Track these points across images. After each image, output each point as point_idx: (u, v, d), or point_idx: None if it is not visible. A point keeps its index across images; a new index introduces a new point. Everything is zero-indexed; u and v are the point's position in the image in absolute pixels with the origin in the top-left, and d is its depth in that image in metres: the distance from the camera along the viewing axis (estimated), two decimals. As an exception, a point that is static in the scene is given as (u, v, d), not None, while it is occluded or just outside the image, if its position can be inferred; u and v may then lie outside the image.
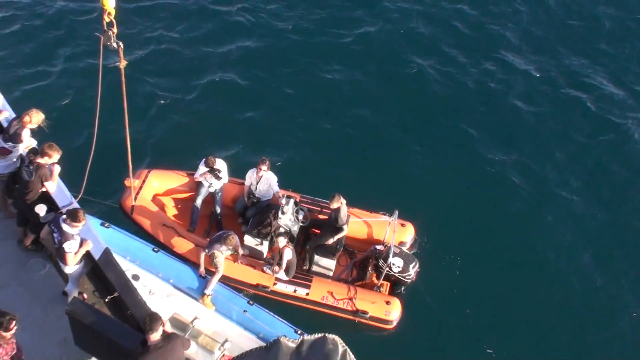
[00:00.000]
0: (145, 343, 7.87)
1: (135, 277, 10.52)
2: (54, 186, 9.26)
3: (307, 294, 11.59)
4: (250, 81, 15.87)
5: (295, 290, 11.64)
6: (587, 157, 15.29)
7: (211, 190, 12.31)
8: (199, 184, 12.30)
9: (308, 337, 6.48)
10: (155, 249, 11.34)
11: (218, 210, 12.35)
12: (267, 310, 10.80)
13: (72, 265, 8.73)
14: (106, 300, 8.85)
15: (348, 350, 6.27)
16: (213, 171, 11.99)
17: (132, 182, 11.98)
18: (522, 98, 16.40)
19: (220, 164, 12.16)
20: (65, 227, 8.49)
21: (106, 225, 11.35)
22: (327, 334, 6.46)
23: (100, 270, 8.97)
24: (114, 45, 8.61)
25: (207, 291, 11.13)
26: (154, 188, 12.35)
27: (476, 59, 17.27)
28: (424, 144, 14.85)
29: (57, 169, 9.24)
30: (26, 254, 9.76)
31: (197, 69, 16.10)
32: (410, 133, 15.06)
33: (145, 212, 11.99)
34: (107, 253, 8.99)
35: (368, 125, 15.11)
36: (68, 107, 14.85)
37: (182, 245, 11.75)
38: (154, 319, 7.66)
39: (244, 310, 10.77)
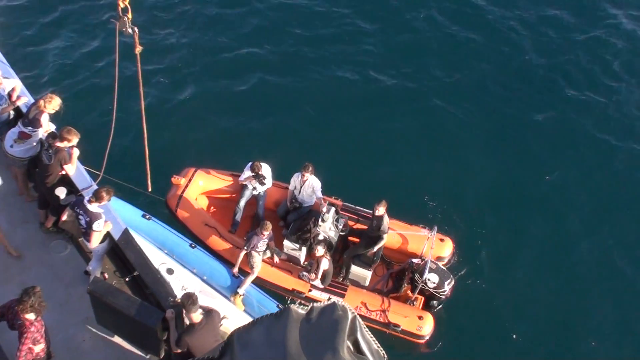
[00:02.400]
0: (165, 321, 8.27)
1: (170, 271, 10.81)
2: (73, 169, 9.52)
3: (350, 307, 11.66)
4: (300, 85, 15.95)
5: (329, 299, 11.66)
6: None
7: (255, 193, 12.52)
8: (243, 187, 12.52)
9: (318, 304, 6.60)
10: (193, 245, 11.68)
11: (260, 213, 12.55)
12: None
13: (96, 244, 9.01)
14: (127, 279, 9.10)
15: (358, 317, 6.35)
16: (258, 177, 12.19)
17: (178, 180, 12.40)
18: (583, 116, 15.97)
19: (266, 169, 12.35)
20: (91, 207, 8.79)
21: (147, 217, 11.76)
22: (336, 301, 6.58)
23: (120, 250, 9.24)
24: (129, 30, 8.46)
25: (240, 291, 11.40)
26: (199, 187, 12.65)
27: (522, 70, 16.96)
28: (471, 160, 14.68)
29: (75, 152, 9.48)
30: (48, 236, 9.96)
31: (247, 70, 16.24)
32: (458, 148, 14.92)
33: (189, 210, 12.32)
34: (126, 233, 9.26)
35: (416, 137, 15.03)
36: (88, 94, 15.13)
37: (222, 245, 12.03)
38: (192, 301, 7.88)
39: None
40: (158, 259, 10.94)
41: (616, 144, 15.31)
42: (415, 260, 12.18)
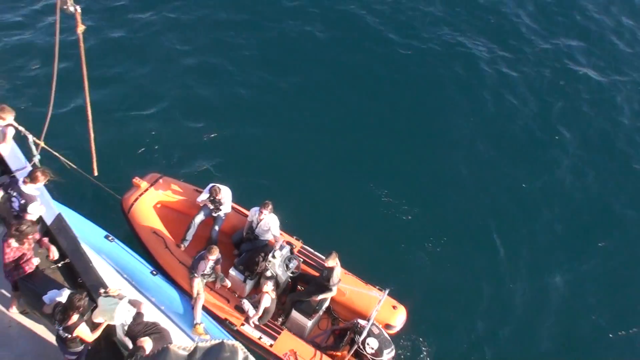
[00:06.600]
0: None
1: None
2: (7, 149, 9.18)
3: (271, 345, 11.03)
4: (290, 109, 15.68)
5: (260, 338, 11.11)
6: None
7: (214, 214, 12.08)
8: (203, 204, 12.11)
9: (203, 344, 6.02)
10: (154, 272, 11.16)
11: (215, 234, 12.06)
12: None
13: None
14: (59, 265, 8.72)
15: (250, 356, 5.79)
16: (214, 202, 11.81)
17: (139, 182, 12.07)
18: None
19: (226, 194, 11.93)
20: (26, 188, 8.47)
21: (110, 238, 11.26)
22: (225, 340, 5.99)
23: (52, 235, 8.89)
24: (71, 9, 8.04)
25: (197, 320, 10.91)
26: (159, 195, 12.23)
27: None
28: (442, 225, 14.13)
29: (10, 131, 9.11)
30: None
31: (248, 82, 16.08)
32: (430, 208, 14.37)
33: (142, 215, 11.87)
34: (59, 219, 8.93)
35: (391, 189, 14.48)
36: (32, 72, 14.87)
37: (166, 258, 11.54)
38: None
39: None
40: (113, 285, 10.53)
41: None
42: (362, 322, 11.44)
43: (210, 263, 11.14)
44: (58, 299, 7.89)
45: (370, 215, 13.85)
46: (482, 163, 15.24)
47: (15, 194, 8.51)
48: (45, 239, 8.41)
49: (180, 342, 9.90)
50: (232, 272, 11.55)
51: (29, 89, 14.32)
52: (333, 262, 11.27)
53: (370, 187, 14.31)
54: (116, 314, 7.96)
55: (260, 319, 11.19)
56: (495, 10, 18.76)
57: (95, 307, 8.15)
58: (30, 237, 8.11)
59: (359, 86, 16.29)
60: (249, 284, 11.60)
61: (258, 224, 11.83)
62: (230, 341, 6.03)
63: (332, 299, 11.77)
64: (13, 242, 8.05)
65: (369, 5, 18.22)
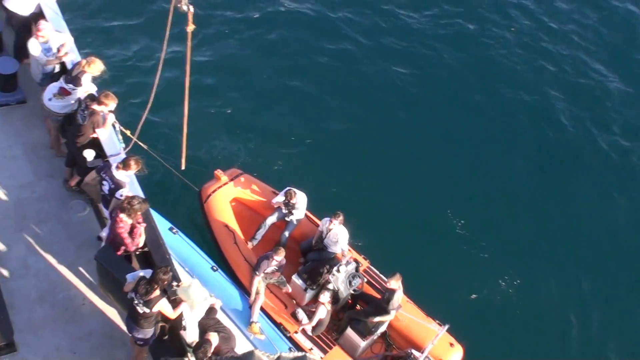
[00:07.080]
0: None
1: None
2: (106, 133, 9.44)
3: (321, 358, 10.94)
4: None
5: (311, 349, 11.02)
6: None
7: (287, 218, 12.13)
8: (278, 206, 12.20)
9: (286, 355, 6.02)
10: (214, 268, 11.30)
11: (284, 239, 12.11)
12: None
13: None
14: (137, 253, 8.84)
15: None
16: (288, 205, 11.88)
17: (220, 175, 12.27)
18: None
19: (301, 199, 11.96)
20: (118, 174, 8.70)
21: (174, 230, 11.50)
22: (308, 354, 5.96)
23: None
24: (184, 7, 8.12)
25: (253, 319, 10.99)
26: (237, 190, 12.41)
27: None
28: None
29: (110, 117, 9.39)
30: (69, 194, 10.02)
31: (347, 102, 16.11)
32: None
33: (217, 207, 12.05)
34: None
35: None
36: (139, 71, 15.22)
37: (232, 253, 11.68)
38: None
39: None
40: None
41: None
42: (416, 353, 11.18)
43: (274, 264, 11.16)
44: (141, 274, 7.95)
45: (445, 247, 13.57)
46: (578, 215, 14.79)
47: (107, 177, 8.78)
48: (143, 225, 8.51)
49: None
50: (295, 278, 11.54)
51: (133, 88, 14.70)
52: (396, 284, 11.09)
53: (448, 216, 14.10)
54: (199, 306, 7.98)
55: (313, 329, 11.15)
56: (584, 73, 18.29)
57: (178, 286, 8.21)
58: (139, 214, 8.31)
59: (451, 122, 16.20)
60: (309, 293, 11.54)
61: (327, 233, 11.78)
62: (312, 356, 6.01)
63: (389, 325, 11.59)
64: (123, 216, 8.23)
65: (460, 50, 18.04)
